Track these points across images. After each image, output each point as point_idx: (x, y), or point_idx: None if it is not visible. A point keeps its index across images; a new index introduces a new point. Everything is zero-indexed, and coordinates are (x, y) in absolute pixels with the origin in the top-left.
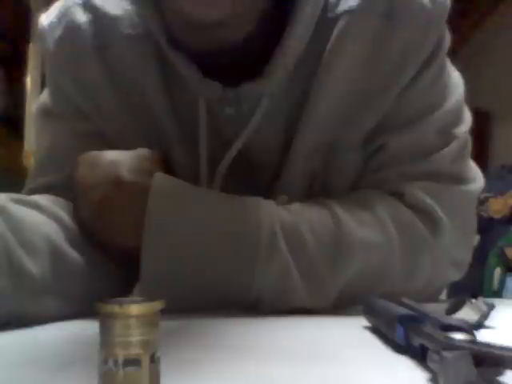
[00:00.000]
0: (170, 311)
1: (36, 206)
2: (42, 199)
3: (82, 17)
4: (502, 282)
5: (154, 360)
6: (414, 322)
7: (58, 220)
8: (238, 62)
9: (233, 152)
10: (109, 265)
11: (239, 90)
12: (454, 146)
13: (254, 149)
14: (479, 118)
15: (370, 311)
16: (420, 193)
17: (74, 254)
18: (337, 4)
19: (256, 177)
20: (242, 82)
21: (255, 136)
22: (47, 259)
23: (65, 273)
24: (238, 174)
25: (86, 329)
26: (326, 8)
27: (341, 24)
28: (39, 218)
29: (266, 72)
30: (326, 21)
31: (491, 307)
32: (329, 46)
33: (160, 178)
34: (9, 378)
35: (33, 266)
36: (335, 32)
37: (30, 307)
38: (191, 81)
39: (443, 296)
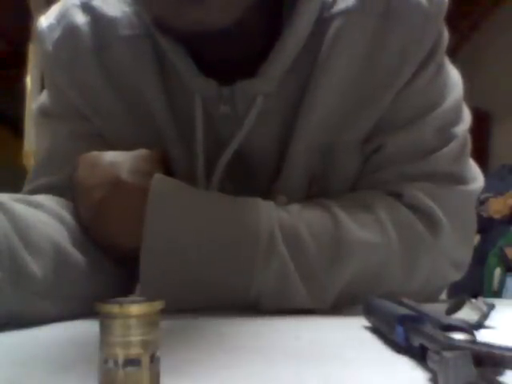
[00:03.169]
0: (169, 311)
1: (39, 206)
2: (44, 199)
3: (80, 18)
4: (502, 282)
5: (153, 360)
6: (414, 321)
7: (61, 220)
8: (236, 61)
9: (229, 152)
10: (111, 265)
11: (234, 88)
12: (453, 145)
13: (251, 149)
14: (479, 118)
15: (369, 311)
16: (419, 193)
17: (77, 256)
18: (333, 4)
19: (254, 177)
20: (237, 81)
21: (251, 136)
22: (51, 261)
23: (67, 275)
24: (237, 175)
25: (86, 329)
26: (322, 7)
27: (337, 24)
28: (43, 217)
29: (262, 72)
30: (321, 21)
31: (491, 307)
32: (325, 46)
33: (159, 179)
34: (9, 378)
35: (36, 268)
36: (331, 32)
37: (31, 309)
38: (187, 78)
39: (443, 296)
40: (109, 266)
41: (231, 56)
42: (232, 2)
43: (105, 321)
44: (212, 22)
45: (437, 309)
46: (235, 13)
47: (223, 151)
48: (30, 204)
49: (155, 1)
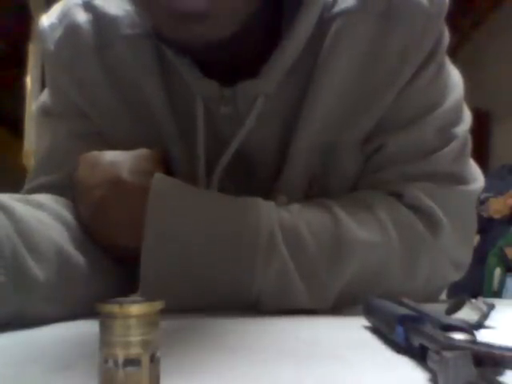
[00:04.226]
0: (170, 311)
1: (39, 206)
2: (44, 198)
3: (82, 17)
4: (502, 282)
5: (153, 360)
6: (414, 321)
7: (61, 220)
8: (237, 62)
9: (230, 152)
10: (112, 266)
11: (235, 89)
12: (453, 145)
13: (252, 149)
14: (479, 118)
15: (369, 311)
16: (420, 193)
17: (78, 257)
18: (333, 4)
19: (255, 177)
20: (239, 82)
21: (252, 136)
22: (53, 264)
23: (69, 277)
24: (237, 174)
25: (86, 329)
26: (322, 8)
27: (337, 24)
28: (44, 218)
29: (264, 72)
30: (322, 21)
31: (491, 307)
32: (325, 47)
33: (159, 178)
34: (9, 378)
35: (39, 272)
36: (331, 32)
37: (33, 311)
38: (188, 79)
39: (443, 296)
40: (110, 266)
41: (232, 58)
42: (233, 14)
43: (105, 321)
44: (213, 35)
45: (437, 309)
46: (236, 24)
47: (224, 151)
48: (30, 204)
49: (156, 14)
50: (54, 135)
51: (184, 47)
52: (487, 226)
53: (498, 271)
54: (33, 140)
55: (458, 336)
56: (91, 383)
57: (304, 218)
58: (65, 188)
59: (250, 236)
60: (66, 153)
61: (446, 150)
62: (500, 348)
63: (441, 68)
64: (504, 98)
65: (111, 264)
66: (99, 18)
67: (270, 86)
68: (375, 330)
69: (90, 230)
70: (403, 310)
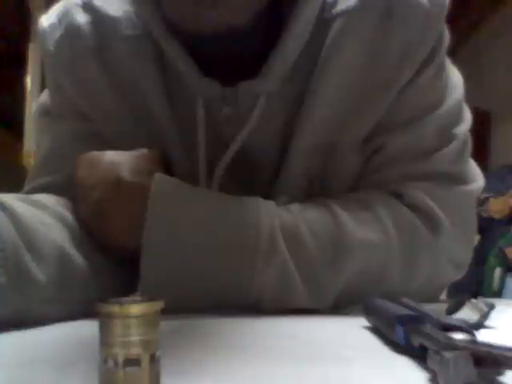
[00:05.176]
0: (170, 311)
1: (41, 206)
2: (45, 199)
3: (82, 18)
4: (502, 282)
5: (154, 360)
6: (414, 322)
7: (63, 221)
8: (237, 62)
9: (231, 152)
10: (114, 268)
11: (237, 89)
12: (454, 145)
13: (253, 149)
14: (479, 118)
15: (370, 311)
16: (420, 193)
17: (80, 259)
18: (334, 4)
19: (255, 177)
20: (239, 82)
21: (253, 136)
22: (54, 266)
23: (71, 279)
24: (238, 174)
25: (86, 329)
26: (323, 8)
27: (338, 24)
28: (46, 219)
29: (264, 71)
30: (323, 21)
31: (491, 307)
32: (326, 47)
33: (160, 178)
34: (9, 378)
35: (40, 274)
36: (332, 32)
37: (33, 313)
38: (189, 79)
39: (443, 296)
40: (110, 266)
41: (233, 57)
42: (245, 3)
43: (105, 321)
44: (224, 22)
45: (437, 309)
46: (248, 14)
47: (225, 151)
48: (32, 205)
49: (173, 5)
50: (54, 136)
51: (193, 36)
52: (487, 226)
53: (497, 271)
54: (33, 140)
55: (458, 336)
56: (91, 383)
57: (304, 218)
58: (65, 189)
59: (251, 236)
60: (66, 153)
61: (446, 149)
62: (500, 348)
63: (441, 68)
64: (504, 98)
65: (111, 264)
66: (99, 19)
67: (272, 85)
68: (375, 330)
69: (91, 229)
70: (403, 310)
